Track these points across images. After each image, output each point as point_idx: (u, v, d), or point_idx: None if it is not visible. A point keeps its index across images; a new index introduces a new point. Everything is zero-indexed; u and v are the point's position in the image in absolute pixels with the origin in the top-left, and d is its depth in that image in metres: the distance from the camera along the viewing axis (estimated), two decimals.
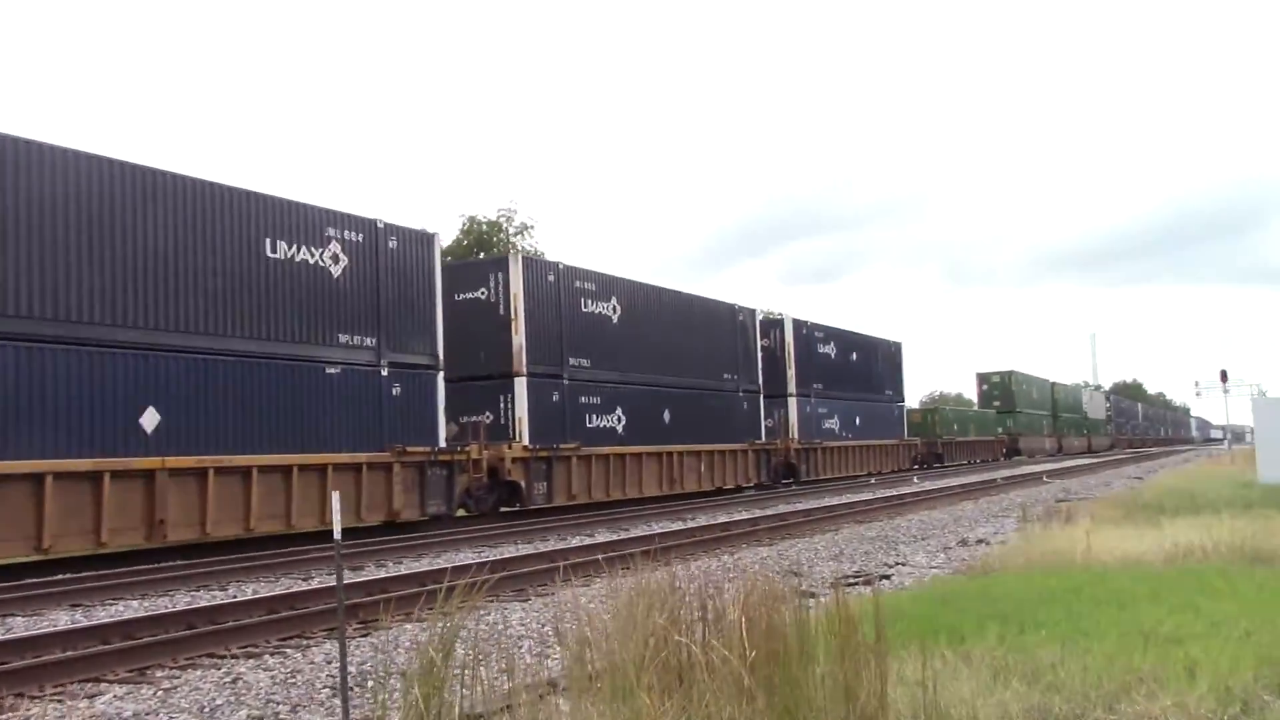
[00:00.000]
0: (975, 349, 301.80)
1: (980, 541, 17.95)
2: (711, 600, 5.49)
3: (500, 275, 28.04)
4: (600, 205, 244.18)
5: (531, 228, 52.28)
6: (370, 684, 8.39)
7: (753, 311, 40.62)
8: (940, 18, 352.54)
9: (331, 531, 6.37)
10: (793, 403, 42.90)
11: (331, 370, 21.93)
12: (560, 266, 29.88)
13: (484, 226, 51.08)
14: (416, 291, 24.44)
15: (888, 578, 13.80)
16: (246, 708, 7.84)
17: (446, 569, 14.81)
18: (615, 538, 20.33)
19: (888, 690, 5.19)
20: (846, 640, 5.07)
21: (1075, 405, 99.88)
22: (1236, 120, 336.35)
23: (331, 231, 22.30)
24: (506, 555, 17.18)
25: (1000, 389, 79.36)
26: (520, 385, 27.39)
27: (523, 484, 26.82)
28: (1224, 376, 60.64)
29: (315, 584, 14.95)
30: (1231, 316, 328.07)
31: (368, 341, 22.86)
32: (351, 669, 8.45)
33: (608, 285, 31.76)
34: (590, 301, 30.60)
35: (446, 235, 51.10)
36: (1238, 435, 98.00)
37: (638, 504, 30.85)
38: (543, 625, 10.65)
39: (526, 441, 27.04)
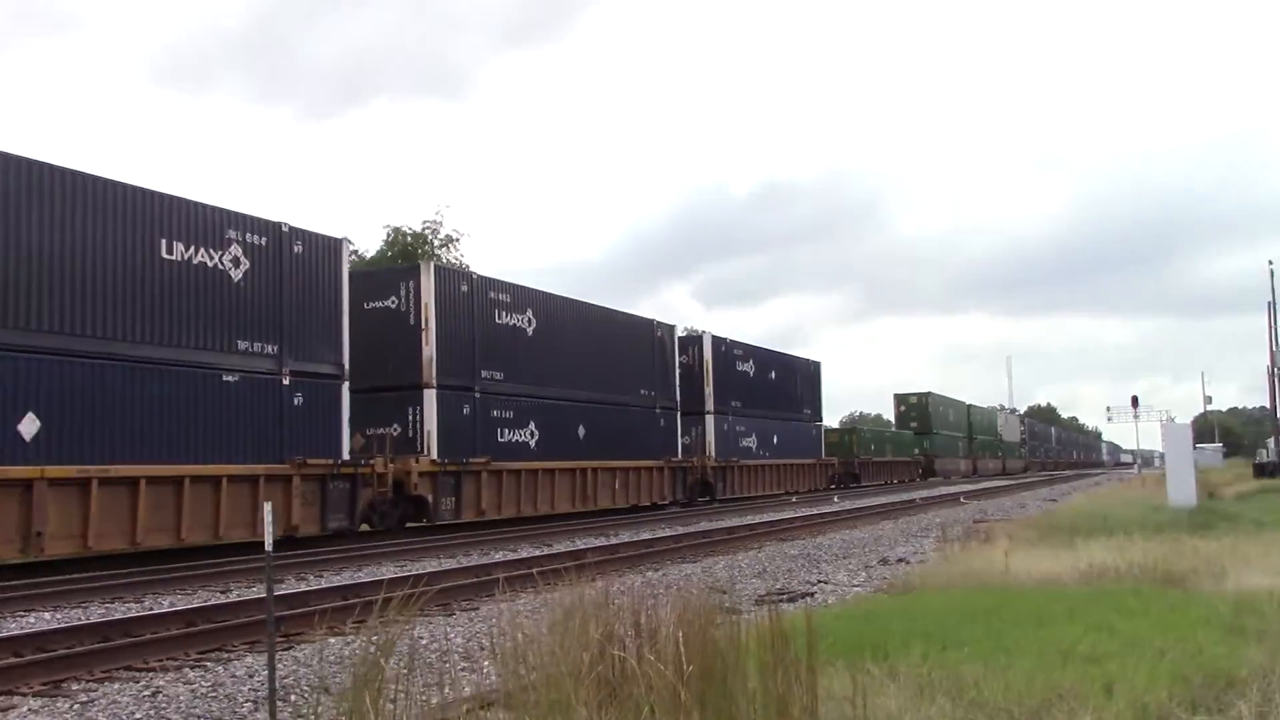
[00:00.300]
0: (895, 372, 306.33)
1: (901, 560, 18.19)
2: (647, 615, 5.52)
3: (411, 284, 27.36)
4: (525, 222, 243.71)
5: (457, 240, 51.91)
6: (294, 698, 8.30)
7: (671, 327, 40.36)
8: (859, 36, 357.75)
9: (262, 543, 6.31)
10: (710, 420, 42.63)
11: (229, 378, 21.03)
12: (474, 276, 29.34)
13: (408, 238, 50.67)
14: (322, 298, 23.67)
15: (811, 595, 13.94)
16: None
17: (370, 583, 14.71)
18: (540, 553, 20.28)
19: (818, 704, 5.26)
20: (779, 656, 5.13)
21: (990, 428, 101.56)
22: (1149, 154, 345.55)
23: (233, 234, 21.41)
24: (430, 570, 17.05)
25: (917, 410, 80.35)
26: (429, 397, 26.78)
27: (430, 499, 26.17)
28: (1135, 402, 62.41)
29: (234, 597, 14.72)
30: (1143, 345, 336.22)
31: (269, 349, 22.02)
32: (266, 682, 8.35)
33: (523, 297, 31.18)
34: (505, 313, 30.00)
35: (369, 247, 50.71)
36: (1147, 460, 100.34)
37: (550, 521, 30.35)
38: (468, 640, 10.60)
39: (435, 455, 26.42)
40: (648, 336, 38.32)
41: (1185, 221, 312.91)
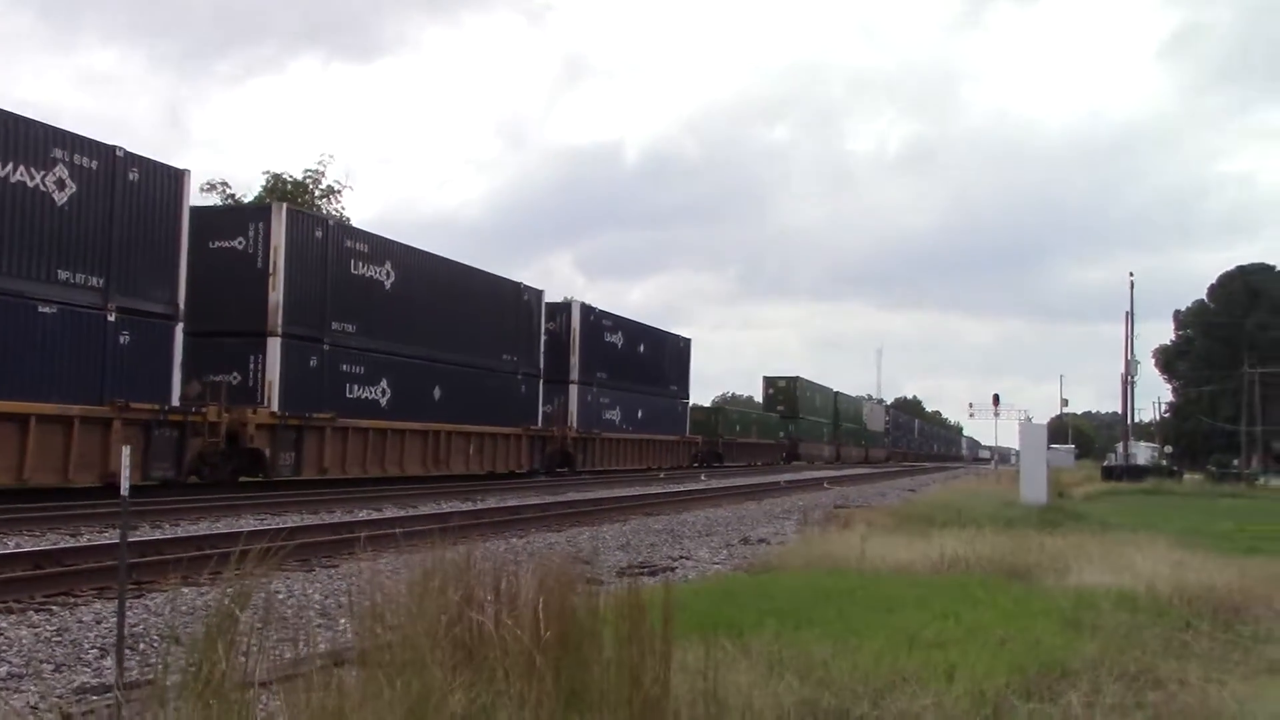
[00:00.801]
0: (770, 356, 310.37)
1: (762, 540, 18.52)
2: (508, 580, 5.55)
3: (260, 225, 25.85)
4: (411, 173, 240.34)
5: (339, 191, 50.85)
6: (142, 647, 8.14)
7: (539, 292, 39.41)
8: (760, 18, 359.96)
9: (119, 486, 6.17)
10: (574, 390, 41.98)
11: (45, 309, 19.57)
12: (330, 223, 27.99)
13: (289, 185, 49.49)
14: (159, 232, 22.10)
15: (673, 570, 14.12)
16: (7, 664, 7.50)
17: (228, 534, 14.44)
18: (405, 513, 20.15)
19: (671, 676, 5.36)
20: (636, 627, 5.20)
21: (856, 416, 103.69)
22: (1023, 159, 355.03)
23: (59, 153, 19.86)
24: (291, 524, 16.80)
25: (785, 394, 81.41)
26: (273, 346, 25.54)
27: (267, 453, 24.92)
28: (996, 400, 64.38)
29: (85, 541, 14.33)
30: (1008, 345, 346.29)
31: (93, 281, 20.54)
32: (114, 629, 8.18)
33: (383, 248, 30.02)
34: (362, 264, 28.79)
35: (247, 193, 49.38)
36: (1004, 456, 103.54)
37: (402, 483, 29.45)
38: (326, 597, 10.51)
39: (275, 407, 25.22)
40: (514, 300, 37.38)
41: (1054, 229, 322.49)
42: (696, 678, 5.77)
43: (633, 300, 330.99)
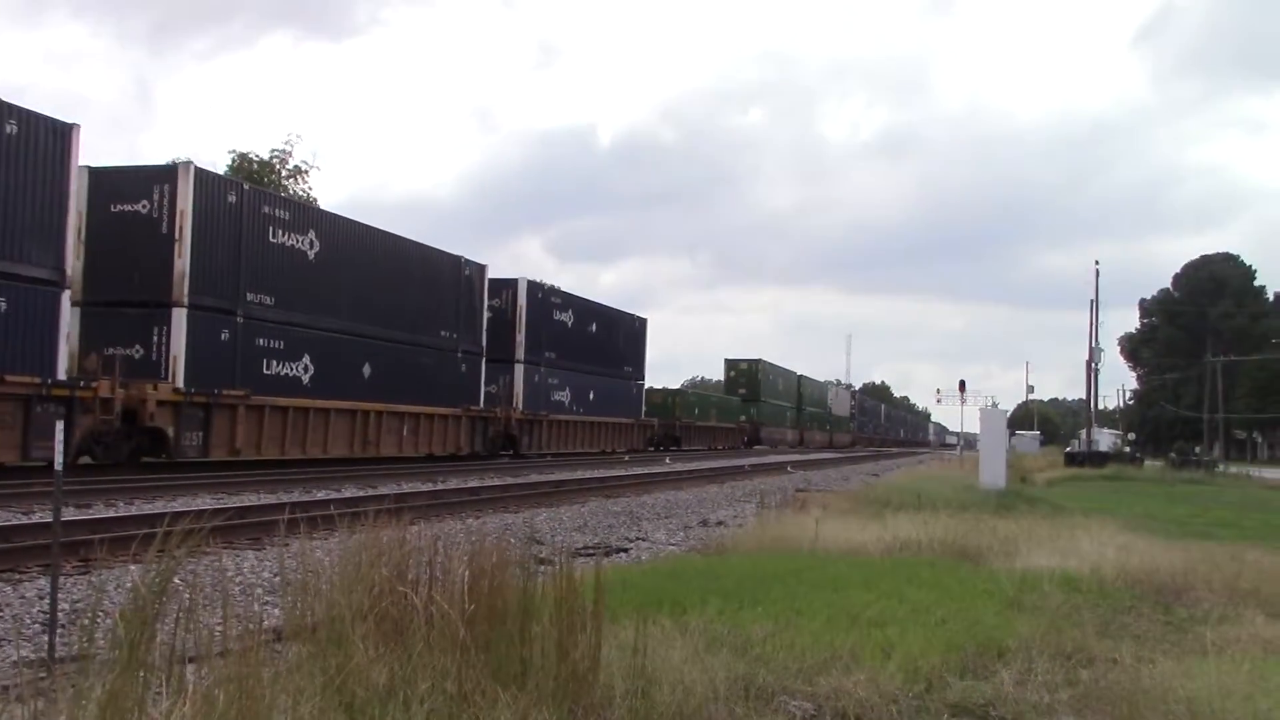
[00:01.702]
0: (739, 340, 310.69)
1: (720, 523, 18.60)
2: (443, 557, 5.58)
3: (166, 188, 23.98)
4: (377, 156, 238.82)
5: (306, 171, 50.56)
6: (82, 622, 8.11)
7: (482, 267, 37.84)
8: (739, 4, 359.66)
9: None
10: (519, 370, 40.39)
11: None
12: (245, 187, 26.40)
13: (255, 165, 49.16)
14: (42, 190, 20.28)
15: (626, 551, 14.19)
16: None
17: (181, 512, 14.37)
18: (365, 493, 20.11)
19: (601, 652, 5.40)
20: (566, 603, 5.25)
21: (820, 400, 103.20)
22: (996, 144, 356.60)
23: None
24: (248, 503, 16.77)
25: (747, 377, 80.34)
26: (179, 317, 23.76)
27: (170, 432, 23.16)
28: (962, 386, 64.70)
29: (36, 519, 14.24)
30: (976, 331, 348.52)
31: None
32: (66, 606, 8.16)
33: (305, 216, 28.60)
34: (282, 232, 27.04)
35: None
36: (970, 442, 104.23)
37: (330, 465, 27.92)
38: (274, 575, 10.49)
39: (180, 383, 23.51)
40: (453, 273, 35.69)
41: (1024, 216, 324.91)
42: (630, 653, 5.82)
43: (605, 284, 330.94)
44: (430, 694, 4.57)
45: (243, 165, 49.04)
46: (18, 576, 9.94)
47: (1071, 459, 56.09)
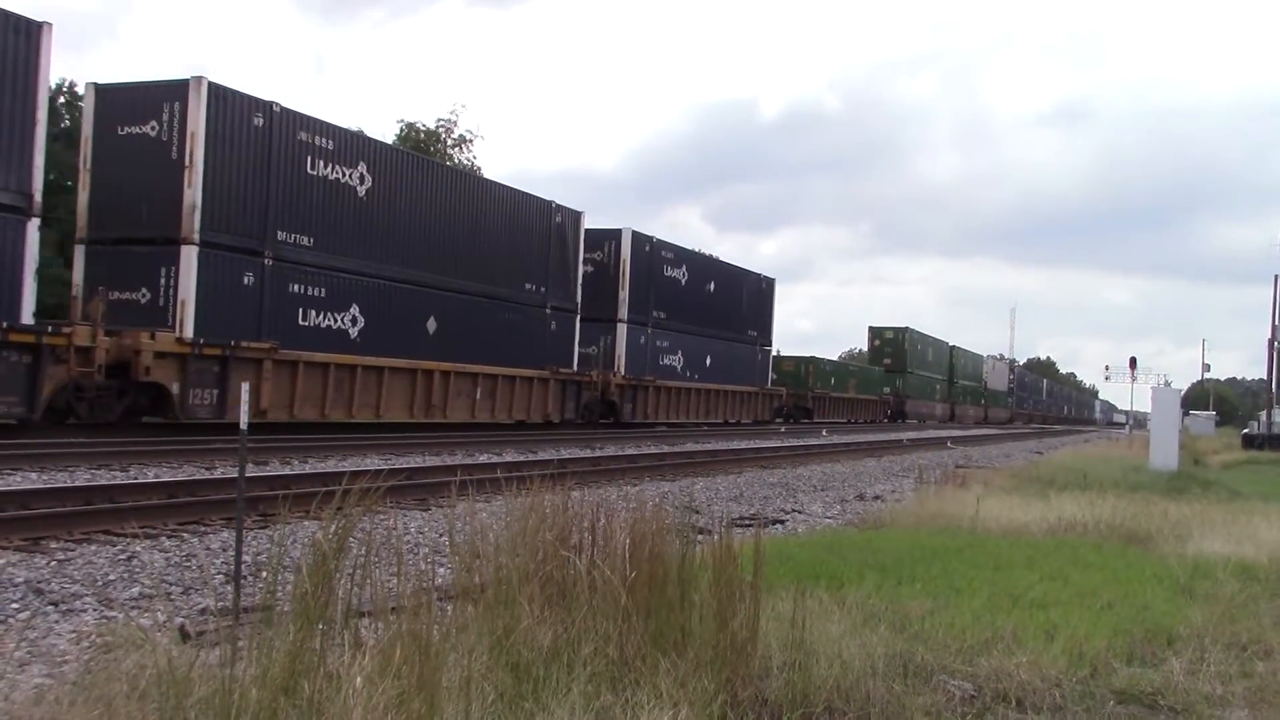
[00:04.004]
0: (899, 313, 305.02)
1: (877, 498, 18.42)
2: (604, 523, 5.69)
3: (177, 106, 20.99)
4: (542, 128, 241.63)
5: (470, 141, 51.53)
6: (265, 574, 8.52)
7: (577, 214, 34.23)
8: None
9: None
10: (623, 330, 36.74)
11: None
12: (276, 108, 22.80)
13: (422, 134, 50.38)
14: (3, 100, 17.91)
15: (782, 522, 14.18)
16: (139, 585, 7.93)
17: (355, 472, 14.95)
18: (524, 458, 20.54)
19: (760, 623, 5.44)
20: (725, 572, 5.30)
21: (975, 373, 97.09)
22: (1181, 113, 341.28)
23: None
24: (414, 465, 17.32)
25: (893, 346, 75.36)
26: (188, 256, 20.74)
27: (174, 388, 20.15)
28: (1133, 363, 62.36)
29: (218, 474, 14.97)
30: (1150, 306, 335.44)
31: None
32: (248, 559, 8.57)
33: (354, 146, 25.20)
34: (324, 163, 23.86)
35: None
36: (1140, 422, 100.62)
37: (376, 432, 24.96)
38: (440, 535, 10.82)
39: (189, 332, 20.52)
40: (542, 220, 32.16)
41: (1203, 188, 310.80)
42: (788, 625, 5.85)
43: (763, 253, 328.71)
44: (593, 657, 4.68)
45: (410, 134, 50.30)
46: (203, 529, 10.47)
47: (1249, 441, 53.64)
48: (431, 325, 27.14)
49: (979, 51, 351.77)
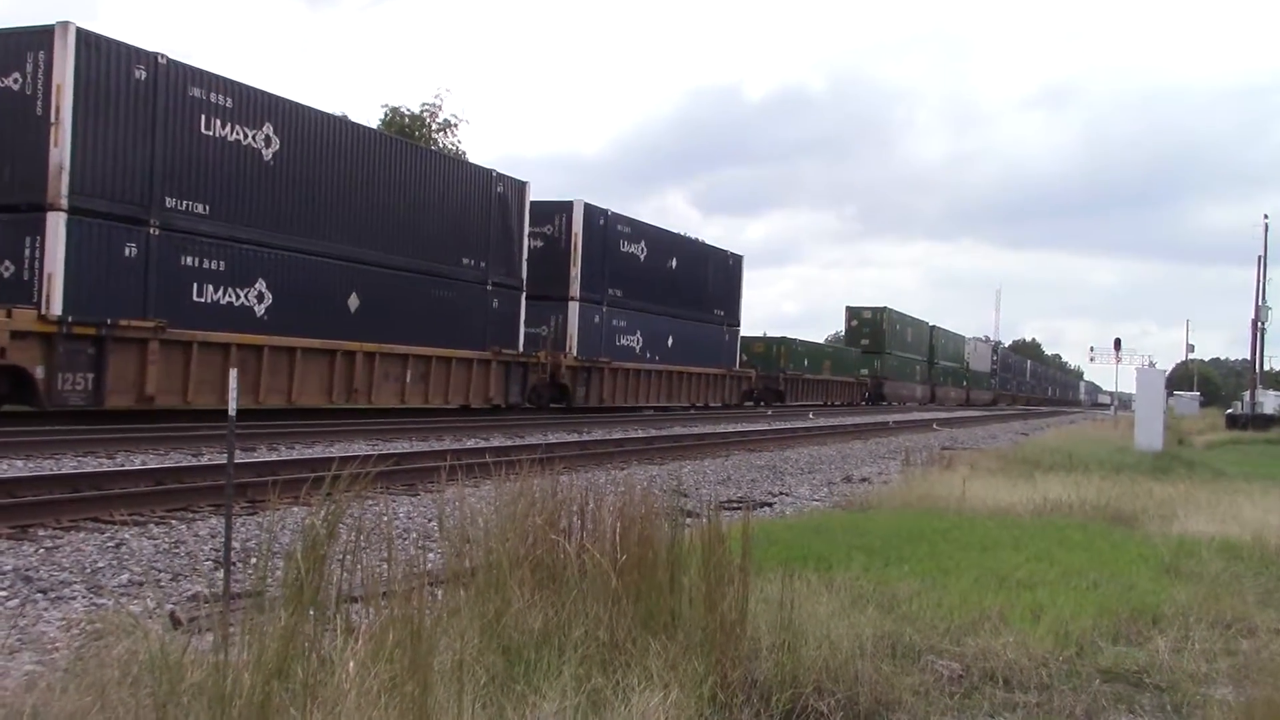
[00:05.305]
0: (885, 295, 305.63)
1: (864, 480, 18.49)
2: (593, 507, 5.71)
3: (42, 56, 18.62)
4: (527, 112, 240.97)
5: (455, 125, 51.26)
6: (254, 560, 8.53)
7: (521, 185, 31.76)
8: None
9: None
10: (575, 309, 34.70)
11: None
12: (161, 60, 20.28)
13: (406, 119, 50.13)
14: None
15: (770, 505, 14.23)
16: (128, 571, 7.94)
17: (344, 458, 14.96)
18: (513, 443, 20.56)
19: (749, 605, 5.48)
20: (713, 555, 5.33)
21: (956, 354, 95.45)
22: (1166, 95, 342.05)
23: None
24: (400, 450, 17.33)
25: (871, 327, 73.30)
26: (55, 224, 18.50)
27: (37, 373, 17.98)
28: (1117, 344, 62.65)
29: (206, 460, 14.96)
30: (1134, 287, 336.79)
31: None
32: (237, 545, 8.58)
33: (258, 104, 22.57)
34: (221, 122, 21.48)
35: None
36: (1125, 403, 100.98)
37: (288, 418, 22.76)
38: (429, 520, 10.84)
39: (56, 310, 18.31)
40: (481, 190, 29.94)
41: (1188, 169, 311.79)
42: (777, 607, 5.89)
43: (750, 237, 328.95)
44: (583, 640, 4.71)
45: (394, 119, 50.08)
46: (191, 515, 10.47)
47: (1233, 421, 53.92)
48: (354, 303, 25.10)
49: (966, 34, 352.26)
